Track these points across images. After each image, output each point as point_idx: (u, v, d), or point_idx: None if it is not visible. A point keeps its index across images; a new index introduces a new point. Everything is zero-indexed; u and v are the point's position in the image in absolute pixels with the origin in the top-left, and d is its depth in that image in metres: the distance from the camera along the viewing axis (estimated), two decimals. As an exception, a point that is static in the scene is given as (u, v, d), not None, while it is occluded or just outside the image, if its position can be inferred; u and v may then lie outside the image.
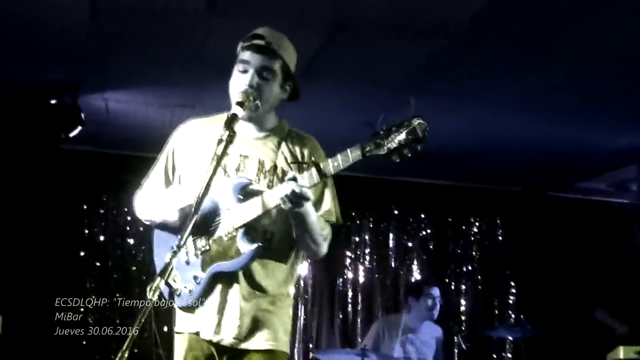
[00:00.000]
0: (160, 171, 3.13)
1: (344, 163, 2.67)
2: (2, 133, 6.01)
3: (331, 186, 3.04)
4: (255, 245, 2.83)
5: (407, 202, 8.01)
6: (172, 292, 2.44)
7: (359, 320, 7.80)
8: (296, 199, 2.69)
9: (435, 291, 6.32)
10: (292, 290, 3.09)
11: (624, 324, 5.64)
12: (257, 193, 2.85)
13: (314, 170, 2.71)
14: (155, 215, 3.10)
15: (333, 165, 2.69)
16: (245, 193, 2.88)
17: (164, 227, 3.07)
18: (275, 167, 2.99)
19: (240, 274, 2.89)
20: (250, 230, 2.86)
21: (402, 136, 2.60)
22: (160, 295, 2.41)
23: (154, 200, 3.11)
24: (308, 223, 2.86)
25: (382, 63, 5.26)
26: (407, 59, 5.17)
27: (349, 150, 2.66)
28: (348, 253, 7.96)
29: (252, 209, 2.83)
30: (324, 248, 3.01)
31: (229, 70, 3.06)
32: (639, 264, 6.00)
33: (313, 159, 2.96)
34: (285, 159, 3.01)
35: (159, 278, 2.32)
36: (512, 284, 8.18)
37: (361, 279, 7.94)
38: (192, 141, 3.08)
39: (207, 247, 2.91)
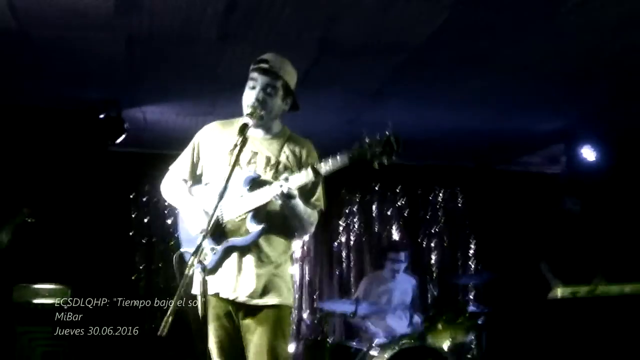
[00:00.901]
0: (186, 159, 3.14)
1: (334, 166, 2.72)
2: (64, 142, 6.03)
3: (322, 180, 3.05)
4: (261, 226, 2.87)
5: (386, 179, 7.93)
6: (203, 267, 2.45)
7: (352, 274, 7.75)
8: (285, 196, 2.75)
9: (400, 256, 6.21)
10: (290, 256, 3.12)
11: (558, 280, 5.53)
12: (263, 185, 2.88)
13: (310, 169, 2.75)
14: (177, 206, 3.14)
15: (326, 168, 2.73)
16: (254, 184, 2.90)
17: None
18: (278, 162, 3.01)
19: (250, 246, 2.92)
20: (257, 213, 2.89)
21: (380, 148, 2.63)
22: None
23: (178, 192, 3.12)
24: (297, 212, 2.89)
25: (359, 73, 5.27)
26: (378, 70, 5.18)
27: (338, 156, 2.70)
28: (341, 221, 7.91)
29: (259, 198, 2.85)
30: (310, 229, 3.04)
31: (236, 85, 3.08)
32: (569, 224, 5.94)
33: (309, 158, 3.00)
34: (287, 157, 3.03)
35: (193, 257, 2.35)
36: (471, 240, 8.14)
37: (352, 242, 7.90)
38: (213, 138, 3.10)
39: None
